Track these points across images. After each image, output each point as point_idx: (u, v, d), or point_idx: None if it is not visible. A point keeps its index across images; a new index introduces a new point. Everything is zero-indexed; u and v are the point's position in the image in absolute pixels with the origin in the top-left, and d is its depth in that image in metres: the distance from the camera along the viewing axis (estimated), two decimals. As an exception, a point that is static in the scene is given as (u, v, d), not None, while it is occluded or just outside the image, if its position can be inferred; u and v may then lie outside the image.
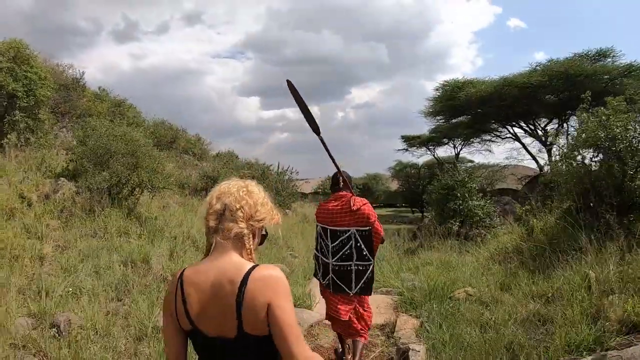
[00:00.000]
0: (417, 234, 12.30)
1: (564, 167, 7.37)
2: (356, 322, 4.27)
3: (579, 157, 7.10)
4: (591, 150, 6.86)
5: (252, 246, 1.68)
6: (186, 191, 15.50)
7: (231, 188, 1.70)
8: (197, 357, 1.74)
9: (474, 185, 10.57)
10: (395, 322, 5.84)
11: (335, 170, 4.26)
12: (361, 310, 4.32)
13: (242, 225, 1.64)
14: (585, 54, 21.71)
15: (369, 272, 4.12)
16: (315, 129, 3.79)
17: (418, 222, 34.00)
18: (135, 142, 10.50)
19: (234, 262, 1.60)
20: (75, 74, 16.26)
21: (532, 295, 5.61)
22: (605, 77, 21.30)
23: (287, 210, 21.61)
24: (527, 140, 27.12)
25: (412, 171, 42.70)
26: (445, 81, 26.40)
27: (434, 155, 42.22)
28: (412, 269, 8.29)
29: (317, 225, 4.43)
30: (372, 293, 4.35)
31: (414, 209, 42.83)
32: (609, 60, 21.78)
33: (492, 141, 35.13)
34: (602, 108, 6.81)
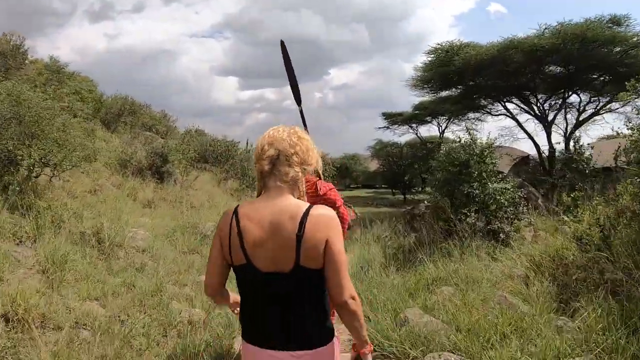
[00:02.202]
0: (412, 225, 9.56)
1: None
2: None
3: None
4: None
5: (304, 188, 1.87)
6: (129, 170, 12.89)
7: (282, 134, 1.85)
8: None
9: (494, 162, 7.81)
10: None
11: None
12: None
13: (297, 169, 1.83)
14: (597, 20, 18.74)
15: None
16: (298, 99, 3.78)
17: (400, 206, 32.26)
18: (25, 103, 7.56)
19: (292, 201, 1.80)
20: (17, 41, 15.04)
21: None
22: (617, 49, 18.67)
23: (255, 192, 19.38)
24: (521, 118, 24.50)
25: (394, 150, 40.16)
26: (439, 44, 22.91)
27: (416, 134, 40.25)
28: (418, 294, 5.30)
29: None
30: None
31: (394, 191, 40.43)
32: (622, 29, 18.98)
33: (480, 120, 33.04)
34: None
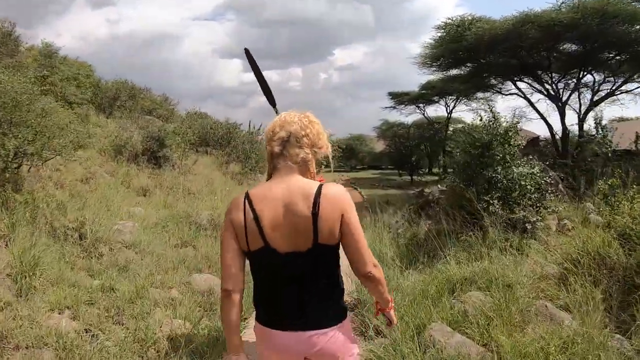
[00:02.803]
0: (426, 212, 8.78)
1: None
2: None
3: None
4: None
5: (314, 170, 1.92)
6: (123, 156, 12.27)
7: (294, 117, 1.89)
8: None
9: (520, 143, 6.99)
10: None
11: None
12: None
13: (307, 151, 1.86)
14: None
15: None
16: (272, 102, 3.62)
17: (408, 188, 31.53)
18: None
19: (303, 181, 1.82)
20: (8, 28, 14.69)
21: None
22: (637, 26, 17.49)
23: (259, 175, 18.99)
24: (533, 98, 23.39)
25: (401, 130, 39.35)
26: (449, 18, 21.51)
27: (423, 114, 39.46)
28: (442, 301, 4.37)
29: None
30: None
31: (401, 172, 39.71)
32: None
33: (489, 100, 32.06)
34: None
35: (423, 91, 35.92)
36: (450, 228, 6.58)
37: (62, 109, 12.30)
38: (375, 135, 45.07)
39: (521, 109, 24.73)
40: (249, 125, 21.57)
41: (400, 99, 38.48)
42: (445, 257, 5.68)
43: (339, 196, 1.80)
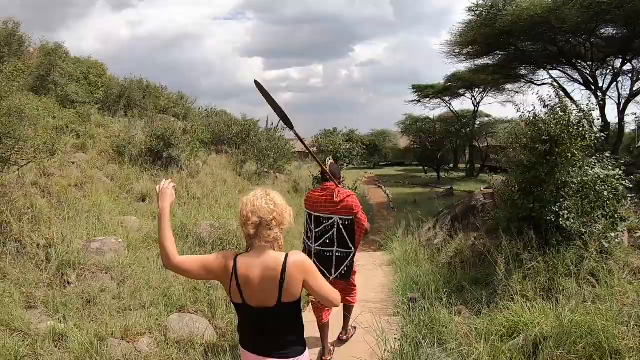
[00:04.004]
0: (469, 221, 7.31)
1: None
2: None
3: None
4: None
5: (282, 241, 2.31)
6: (126, 157, 11.23)
7: (261, 203, 2.24)
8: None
9: (599, 136, 5.45)
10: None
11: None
12: (347, 297, 4.56)
13: (276, 230, 2.26)
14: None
15: (349, 259, 4.36)
16: (288, 125, 4.04)
17: (435, 184, 30.01)
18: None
19: (273, 256, 2.23)
20: (12, 28, 13.89)
21: None
22: None
23: (276, 175, 17.95)
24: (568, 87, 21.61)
25: (425, 125, 37.66)
26: None
27: (449, 108, 37.73)
28: None
29: (305, 211, 4.64)
30: None
31: (426, 168, 38.09)
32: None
33: (517, 92, 30.34)
34: None
35: (448, 84, 34.23)
36: (502, 244, 5.20)
37: (61, 108, 11.62)
38: (399, 130, 43.32)
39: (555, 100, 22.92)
40: (267, 122, 20.58)
41: (425, 92, 36.85)
42: (505, 286, 4.32)
43: (301, 266, 2.23)
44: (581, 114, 5.40)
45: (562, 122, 5.23)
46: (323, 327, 4.57)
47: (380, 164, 48.99)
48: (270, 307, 2.22)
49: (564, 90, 21.50)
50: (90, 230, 6.70)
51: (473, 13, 19.69)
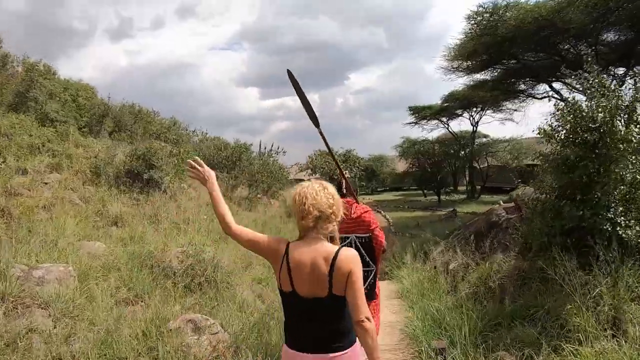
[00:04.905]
0: (490, 240, 6.09)
1: None
2: None
3: None
4: None
5: (337, 236, 2.31)
6: (102, 179, 10.34)
7: (321, 197, 2.22)
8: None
9: None
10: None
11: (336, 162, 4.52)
12: None
13: (334, 224, 2.26)
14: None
15: (370, 277, 4.10)
16: (315, 122, 3.81)
17: (436, 208, 29.04)
18: None
19: (326, 247, 2.21)
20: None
21: None
22: None
23: (270, 200, 17.04)
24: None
25: (424, 147, 36.89)
26: (481, 5, 18.51)
27: (447, 129, 37.03)
28: None
29: None
30: None
31: (425, 191, 37.12)
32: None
33: (516, 110, 29.74)
34: None
35: (446, 104, 33.64)
36: (543, 265, 4.09)
37: (39, 126, 11.02)
38: (396, 154, 42.48)
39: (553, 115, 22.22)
40: (260, 145, 19.73)
41: (422, 113, 36.16)
42: (555, 320, 3.21)
43: (350, 259, 2.17)
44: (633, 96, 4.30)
45: (610, 105, 4.16)
46: None
47: (378, 189, 47.99)
48: (321, 297, 2.18)
49: (566, 102, 20.71)
50: (39, 255, 5.63)
51: (473, 21, 18.90)
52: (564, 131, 4.52)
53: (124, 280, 5.41)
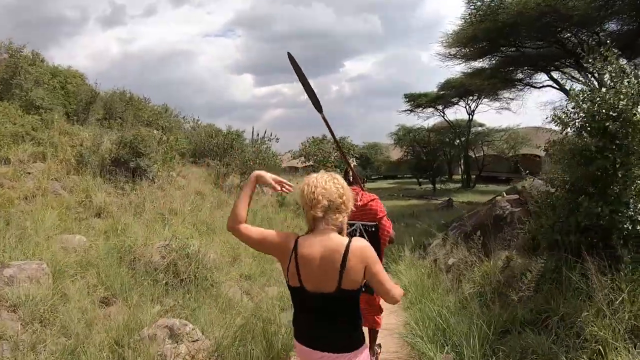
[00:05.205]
0: (495, 235, 5.69)
1: None
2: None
3: None
4: None
5: (345, 227, 2.24)
6: (87, 168, 9.84)
7: (330, 186, 2.18)
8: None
9: None
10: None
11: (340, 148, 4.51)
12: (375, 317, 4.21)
13: (344, 214, 2.20)
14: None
15: None
16: (318, 107, 3.58)
17: (431, 197, 28.76)
18: None
19: (336, 239, 2.14)
20: None
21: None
22: None
23: (263, 188, 16.63)
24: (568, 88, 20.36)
25: (419, 135, 36.57)
26: None
27: (443, 117, 36.70)
28: None
29: None
30: None
31: (420, 180, 36.87)
32: None
33: (513, 99, 29.39)
34: None
35: (442, 92, 33.28)
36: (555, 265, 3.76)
37: (24, 114, 10.73)
38: (391, 142, 42.11)
39: (552, 104, 22.19)
40: (252, 132, 19.27)
41: (418, 100, 35.74)
42: (571, 328, 2.88)
43: (364, 252, 2.11)
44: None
45: (632, 92, 3.79)
46: (375, 333, 4.27)
47: (373, 177, 47.70)
48: (329, 292, 2.11)
49: (565, 91, 20.44)
50: (13, 251, 5.26)
51: (473, 6, 18.43)
52: (579, 119, 4.15)
53: (101, 277, 5.04)
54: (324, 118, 3.68)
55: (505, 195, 7.04)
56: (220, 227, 9.09)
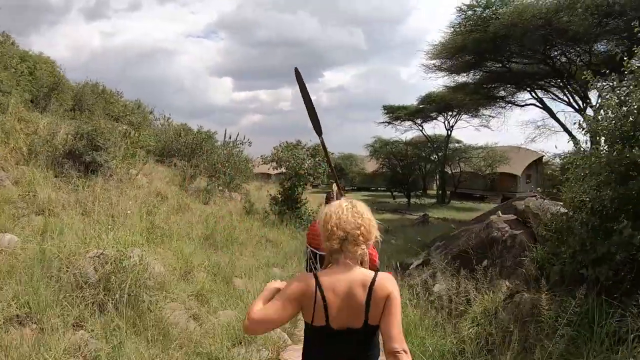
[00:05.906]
0: (492, 260, 4.89)
1: None
2: None
3: None
4: None
5: (368, 259, 2.09)
6: (39, 160, 9.10)
7: (347, 216, 2.01)
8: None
9: None
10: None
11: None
12: None
13: (363, 247, 2.00)
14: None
15: None
16: (317, 129, 3.52)
17: (405, 211, 28.24)
18: None
19: (361, 273, 1.99)
20: None
21: None
22: None
23: (231, 193, 15.78)
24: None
25: (396, 149, 36.14)
26: None
27: (421, 131, 36.33)
28: None
29: (307, 248, 4.40)
30: None
31: (395, 193, 36.31)
32: None
33: (492, 117, 29.41)
34: None
35: (422, 105, 32.91)
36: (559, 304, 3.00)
37: None
38: (367, 154, 41.61)
39: (534, 122, 22.12)
40: (225, 135, 18.40)
41: (396, 113, 35.30)
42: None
43: (389, 282, 1.97)
44: None
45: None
46: None
47: (346, 188, 47.15)
48: (356, 328, 1.98)
49: (549, 111, 20.14)
50: None
51: (464, 14, 17.89)
52: (617, 129, 3.38)
53: (19, 291, 4.10)
54: (322, 141, 3.63)
55: (500, 214, 6.31)
56: (176, 234, 8.25)
